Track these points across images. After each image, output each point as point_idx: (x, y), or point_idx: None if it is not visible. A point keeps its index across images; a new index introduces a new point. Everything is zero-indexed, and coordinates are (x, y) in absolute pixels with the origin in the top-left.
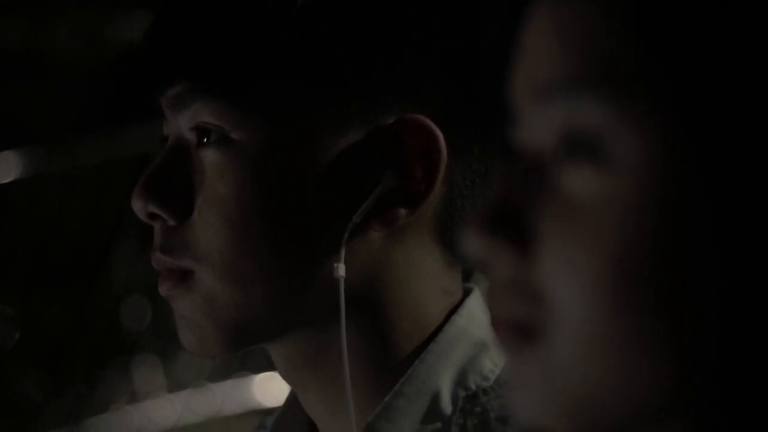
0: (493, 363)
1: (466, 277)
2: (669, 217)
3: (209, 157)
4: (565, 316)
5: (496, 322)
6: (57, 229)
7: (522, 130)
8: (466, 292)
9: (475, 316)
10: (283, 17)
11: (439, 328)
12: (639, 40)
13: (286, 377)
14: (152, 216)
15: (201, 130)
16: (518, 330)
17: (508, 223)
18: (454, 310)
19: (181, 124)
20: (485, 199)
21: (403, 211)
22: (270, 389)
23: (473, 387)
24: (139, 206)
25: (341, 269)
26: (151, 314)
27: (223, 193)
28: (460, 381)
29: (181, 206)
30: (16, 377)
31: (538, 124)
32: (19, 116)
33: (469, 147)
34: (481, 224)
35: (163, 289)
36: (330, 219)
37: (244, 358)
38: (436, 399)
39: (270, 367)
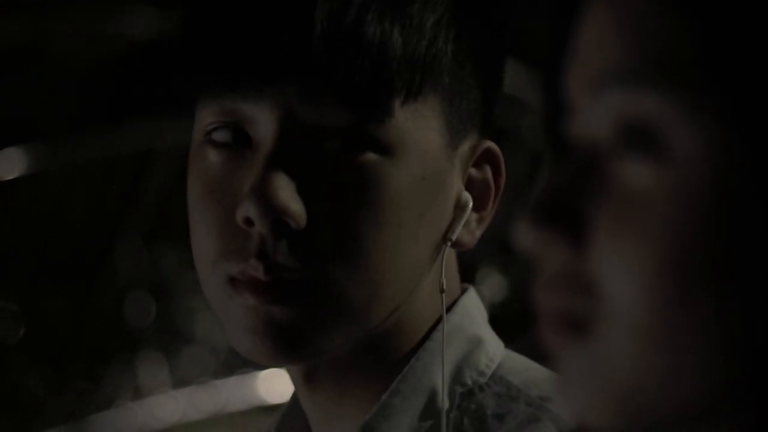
0: (489, 358)
1: (471, 275)
2: (725, 211)
3: (342, 164)
4: (617, 309)
5: (543, 317)
6: (60, 225)
7: (576, 122)
8: (462, 291)
9: (469, 312)
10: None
11: (434, 326)
12: (699, 32)
13: (300, 387)
14: (277, 222)
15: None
16: (568, 323)
17: (562, 216)
18: (448, 309)
19: (319, 124)
20: (539, 191)
21: (478, 232)
22: (274, 386)
23: (469, 383)
24: (261, 212)
25: (444, 283)
26: (155, 310)
27: (365, 202)
28: (456, 377)
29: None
30: (19, 373)
31: (594, 116)
32: (21, 113)
33: None
34: (535, 217)
35: (255, 299)
36: (436, 236)
37: None
38: (432, 396)
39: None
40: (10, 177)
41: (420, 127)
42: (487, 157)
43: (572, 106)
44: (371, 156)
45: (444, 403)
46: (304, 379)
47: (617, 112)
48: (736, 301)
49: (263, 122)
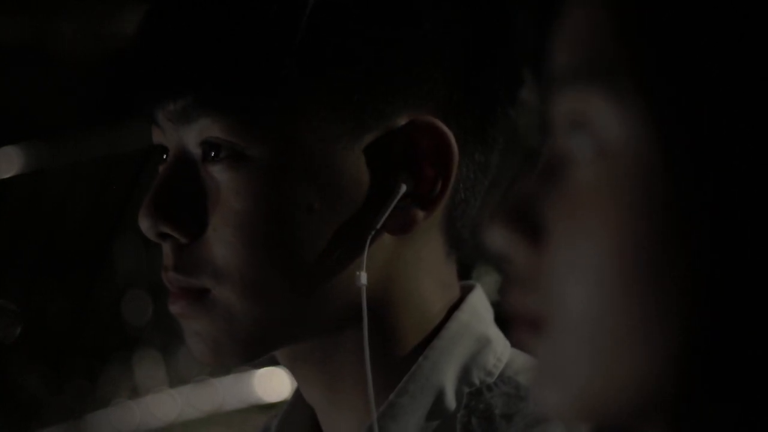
0: (496, 358)
1: (467, 272)
2: (657, 207)
3: (221, 173)
4: (568, 307)
5: (512, 317)
6: (59, 224)
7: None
8: (468, 289)
9: (477, 311)
10: (293, 28)
11: (442, 325)
12: (626, 42)
13: (292, 373)
14: (162, 235)
15: (209, 145)
16: (530, 323)
17: (525, 219)
18: (455, 306)
19: (184, 137)
20: (509, 193)
21: (420, 214)
22: (271, 384)
23: (477, 383)
24: (148, 225)
25: (363, 277)
26: (153, 309)
27: (240, 210)
28: (464, 377)
29: (192, 224)
30: (18, 372)
31: (555, 113)
32: (19, 111)
33: (470, 140)
34: (503, 219)
35: (177, 308)
36: (348, 226)
37: None
38: (440, 396)
39: (271, 362)
40: (9, 175)
41: (297, 124)
42: (424, 133)
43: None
44: (229, 166)
45: (452, 402)
46: (290, 366)
47: (567, 109)
48: (676, 297)
49: (165, 142)
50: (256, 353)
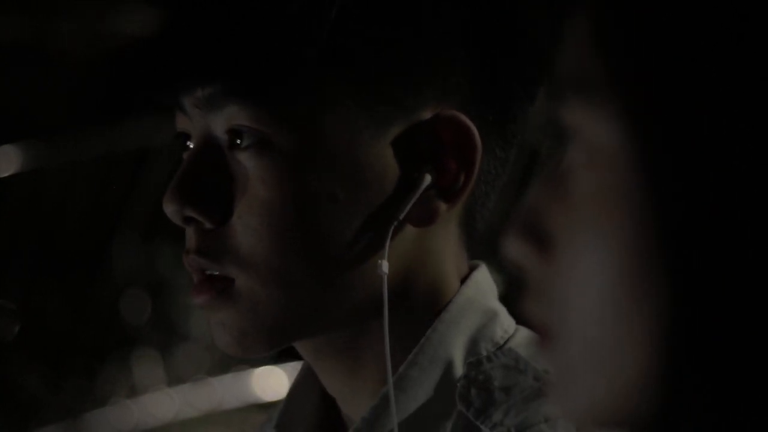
0: (504, 330)
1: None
2: (646, 214)
3: (247, 160)
4: (572, 314)
5: (530, 327)
6: (57, 223)
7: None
8: (473, 267)
9: (481, 287)
10: (319, 20)
11: (451, 300)
12: (606, 58)
13: (314, 366)
14: (187, 219)
15: (235, 132)
16: (543, 332)
17: (536, 227)
18: (462, 282)
19: (211, 124)
20: (523, 205)
21: (443, 206)
22: (269, 383)
23: (484, 354)
24: (173, 210)
25: (385, 266)
26: (152, 308)
27: (266, 198)
28: (472, 349)
29: (217, 210)
30: (16, 371)
31: (556, 122)
32: (18, 110)
33: (492, 135)
34: (515, 230)
35: (201, 300)
36: (371, 217)
37: None
38: (449, 367)
39: (270, 360)
40: (7, 174)
41: (323, 114)
42: (448, 127)
43: None
44: (255, 154)
45: (460, 373)
46: (313, 357)
47: (561, 119)
48: (664, 298)
49: (191, 129)
50: (279, 342)
